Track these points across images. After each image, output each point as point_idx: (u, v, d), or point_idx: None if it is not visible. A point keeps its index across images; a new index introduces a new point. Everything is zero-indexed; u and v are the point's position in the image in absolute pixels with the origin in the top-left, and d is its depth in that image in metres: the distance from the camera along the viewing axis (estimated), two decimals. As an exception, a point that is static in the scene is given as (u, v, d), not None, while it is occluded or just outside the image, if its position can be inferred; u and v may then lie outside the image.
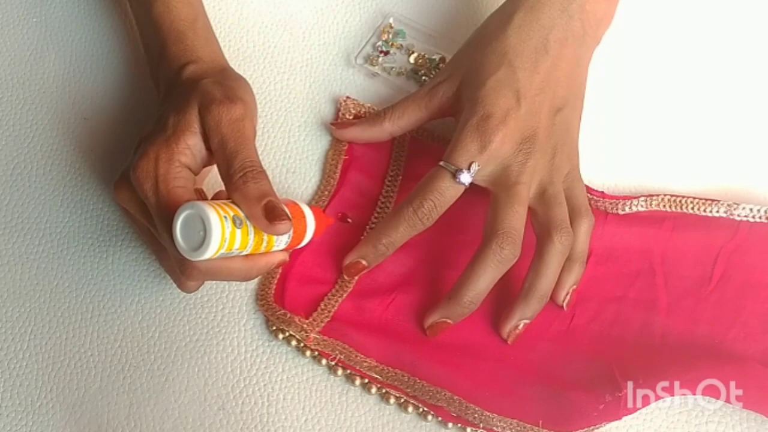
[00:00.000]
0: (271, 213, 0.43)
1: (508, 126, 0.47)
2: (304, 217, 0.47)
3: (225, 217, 0.42)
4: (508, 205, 0.47)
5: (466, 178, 0.47)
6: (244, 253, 0.44)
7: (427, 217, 0.48)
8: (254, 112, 0.49)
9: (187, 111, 0.46)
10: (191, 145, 0.46)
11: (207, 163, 0.47)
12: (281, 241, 0.45)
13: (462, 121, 0.48)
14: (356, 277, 0.51)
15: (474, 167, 0.47)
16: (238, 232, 0.42)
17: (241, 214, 0.43)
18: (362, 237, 0.51)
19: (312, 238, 0.48)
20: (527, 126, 0.48)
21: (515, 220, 0.46)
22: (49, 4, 0.62)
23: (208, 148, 0.46)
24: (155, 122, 0.48)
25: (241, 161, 0.44)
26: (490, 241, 0.46)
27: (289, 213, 0.43)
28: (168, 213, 0.43)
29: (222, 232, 0.41)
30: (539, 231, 0.48)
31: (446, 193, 0.47)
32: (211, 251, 0.41)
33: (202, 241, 0.41)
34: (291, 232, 0.46)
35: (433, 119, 0.53)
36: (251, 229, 0.43)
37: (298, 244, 0.47)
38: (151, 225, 0.46)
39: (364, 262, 0.50)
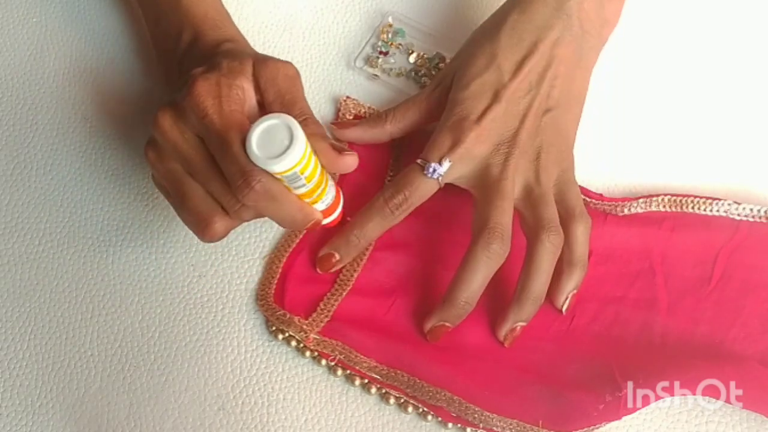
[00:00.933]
0: (337, 148, 0.45)
1: (482, 126, 0.48)
2: (339, 192, 0.49)
3: (306, 139, 0.42)
4: (491, 201, 0.47)
5: (436, 172, 0.47)
6: (304, 188, 0.44)
7: (397, 208, 0.48)
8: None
9: (242, 60, 0.47)
10: (245, 87, 0.46)
11: (251, 117, 0.46)
12: (325, 200, 0.46)
13: (441, 121, 0.49)
14: (354, 276, 0.51)
15: (445, 163, 0.47)
16: (314, 158, 0.43)
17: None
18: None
19: (334, 220, 0.49)
20: (506, 127, 0.48)
21: (499, 215, 0.46)
22: (49, 4, 0.62)
23: (257, 102, 0.47)
24: (206, 66, 0.47)
25: (300, 108, 0.46)
26: (478, 239, 0.46)
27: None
28: (233, 129, 0.43)
29: (306, 146, 0.41)
30: (528, 233, 0.48)
31: (419, 187, 0.48)
32: (293, 159, 0.41)
33: (285, 149, 0.41)
34: (334, 195, 0.47)
35: (432, 122, 0.53)
36: (319, 166, 0.44)
37: (329, 215, 0.48)
38: (196, 153, 0.44)
39: (336, 256, 0.50)
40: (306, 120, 0.46)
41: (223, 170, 0.43)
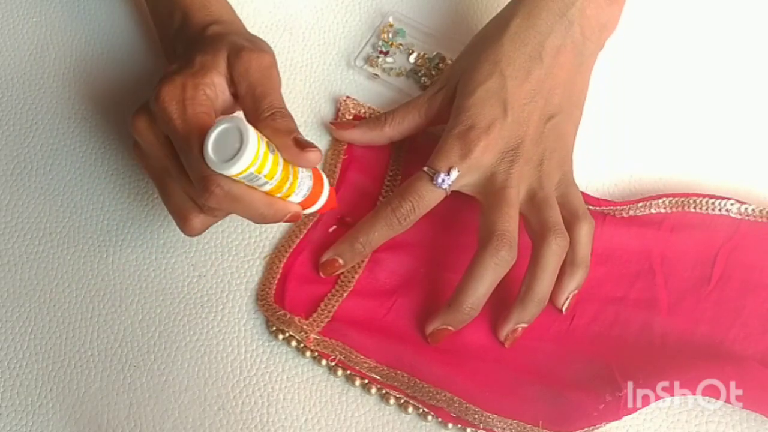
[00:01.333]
0: (300, 143, 0.44)
1: (490, 136, 0.48)
2: (322, 179, 0.48)
3: (261, 138, 0.42)
4: (497, 208, 0.47)
5: (445, 182, 0.47)
6: (269, 185, 0.43)
7: (404, 218, 0.48)
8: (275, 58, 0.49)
9: (215, 54, 0.47)
10: (216, 83, 0.46)
11: (225, 110, 0.47)
12: (300, 192, 0.46)
13: (447, 128, 0.49)
14: (356, 277, 0.51)
15: (453, 172, 0.47)
16: (271, 156, 0.42)
17: (273, 146, 0.43)
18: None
19: (320, 209, 0.48)
20: (512, 135, 0.48)
21: (507, 222, 0.46)
22: (49, 4, 0.62)
23: (232, 94, 0.47)
24: (178, 64, 0.47)
25: (269, 102, 0.45)
26: (486, 246, 0.46)
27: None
28: (193, 134, 0.43)
29: (258, 147, 0.41)
30: (533, 236, 0.48)
31: (426, 196, 0.48)
32: (244, 162, 0.41)
33: (237, 152, 0.41)
34: (310, 185, 0.46)
35: (431, 125, 0.53)
36: (281, 163, 0.43)
37: (312, 204, 0.48)
38: (167, 155, 0.45)
39: (340, 261, 0.50)
40: (273, 114, 0.45)
41: (188, 173, 0.44)
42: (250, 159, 0.41)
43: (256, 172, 0.42)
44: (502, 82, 0.49)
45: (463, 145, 0.48)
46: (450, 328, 0.48)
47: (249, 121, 0.44)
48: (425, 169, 0.48)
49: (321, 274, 0.51)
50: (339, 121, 0.56)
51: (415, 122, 0.53)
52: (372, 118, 0.55)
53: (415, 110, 0.52)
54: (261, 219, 0.45)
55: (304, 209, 0.47)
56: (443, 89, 0.52)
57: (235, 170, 0.41)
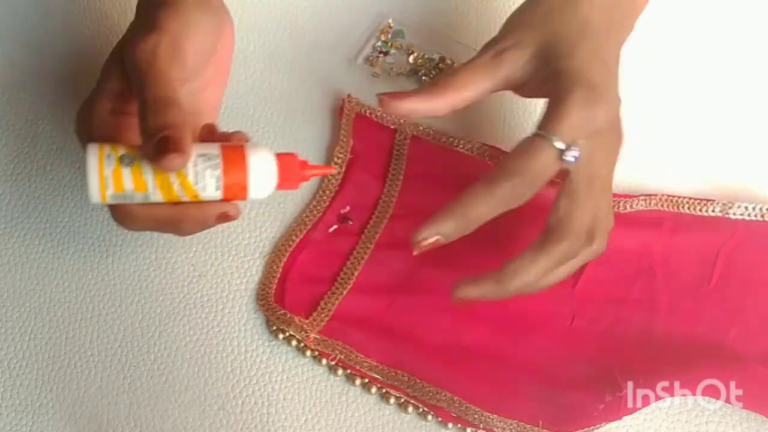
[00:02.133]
0: (159, 145, 0.38)
1: (610, 104, 0.44)
2: (243, 162, 0.41)
3: (109, 155, 0.40)
4: (588, 200, 0.43)
5: (574, 157, 0.42)
6: (152, 198, 0.40)
7: (522, 196, 0.42)
8: (180, 36, 0.44)
9: (109, 59, 0.46)
10: (116, 90, 0.44)
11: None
12: (206, 189, 0.40)
13: (563, 93, 0.42)
14: (355, 274, 0.51)
15: (582, 145, 0.42)
16: (126, 170, 0.39)
17: (138, 153, 0.40)
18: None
19: (277, 189, 0.42)
20: (617, 104, 0.45)
21: (591, 218, 0.43)
22: (49, 4, 0.62)
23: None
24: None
25: (144, 95, 0.41)
26: (574, 239, 0.42)
27: (188, 147, 0.39)
28: None
29: (99, 172, 0.39)
30: (564, 223, 0.43)
31: (549, 171, 0.42)
32: (93, 194, 0.40)
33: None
34: (221, 177, 0.40)
35: (497, 91, 0.47)
36: (148, 169, 0.40)
37: (240, 196, 0.41)
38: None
39: (442, 239, 0.43)
40: (145, 111, 0.40)
41: None
42: (95, 187, 0.40)
43: (117, 191, 0.40)
44: (596, 44, 0.45)
45: (589, 113, 0.42)
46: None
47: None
48: (553, 141, 0.42)
49: (414, 252, 0.44)
50: (389, 92, 0.47)
51: (482, 87, 0.46)
52: (428, 86, 0.47)
53: (480, 73, 0.45)
54: (182, 232, 0.43)
55: (236, 199, 0.42)
56: (513, 48, 0.45)
57: (94, 200, 0.40)
